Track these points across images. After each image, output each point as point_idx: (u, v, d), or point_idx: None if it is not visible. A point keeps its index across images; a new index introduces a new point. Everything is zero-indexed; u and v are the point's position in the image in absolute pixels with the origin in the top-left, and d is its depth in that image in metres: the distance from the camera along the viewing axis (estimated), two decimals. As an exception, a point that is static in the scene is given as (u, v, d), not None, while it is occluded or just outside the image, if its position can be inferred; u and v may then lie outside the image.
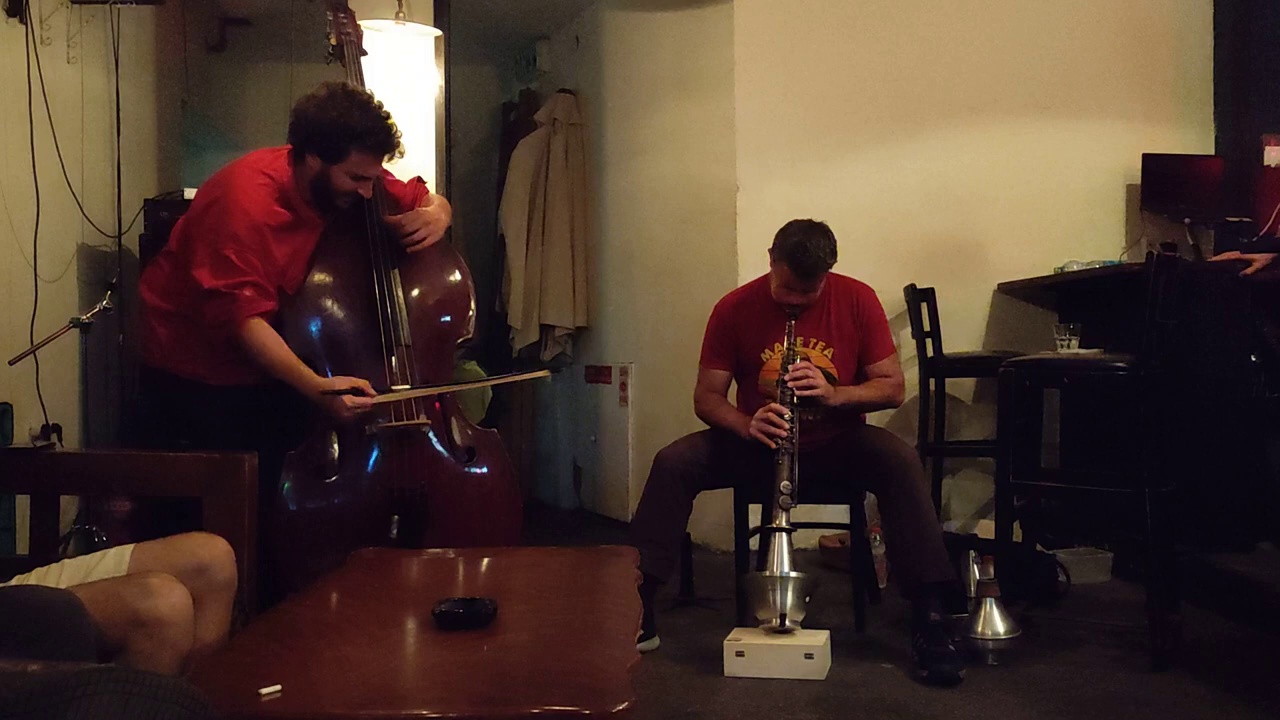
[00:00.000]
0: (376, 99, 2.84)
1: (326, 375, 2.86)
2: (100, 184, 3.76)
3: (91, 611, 1.60)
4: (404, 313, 2.95)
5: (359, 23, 3.16)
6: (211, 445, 2.49)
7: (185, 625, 1.75)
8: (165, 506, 2.77)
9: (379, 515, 2.83)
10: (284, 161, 2.86)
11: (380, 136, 2.78)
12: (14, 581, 1.86)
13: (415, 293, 3.03)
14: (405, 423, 2.89)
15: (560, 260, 5.70)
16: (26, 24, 3.23)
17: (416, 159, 3.86)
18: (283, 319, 2.89)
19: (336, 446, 2.90)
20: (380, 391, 2.82)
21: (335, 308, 2.97)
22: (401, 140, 2.88)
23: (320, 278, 2.97)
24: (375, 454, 2.90)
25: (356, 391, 2.76)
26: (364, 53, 3.14)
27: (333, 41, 3.05)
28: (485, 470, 3.01)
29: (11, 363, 2.88)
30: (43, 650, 1.46)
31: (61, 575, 1.89)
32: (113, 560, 1.93)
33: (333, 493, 2.88)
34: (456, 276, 3.13)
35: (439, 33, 4.06)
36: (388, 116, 2.82)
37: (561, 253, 5.70)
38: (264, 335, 2.78)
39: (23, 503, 2.86)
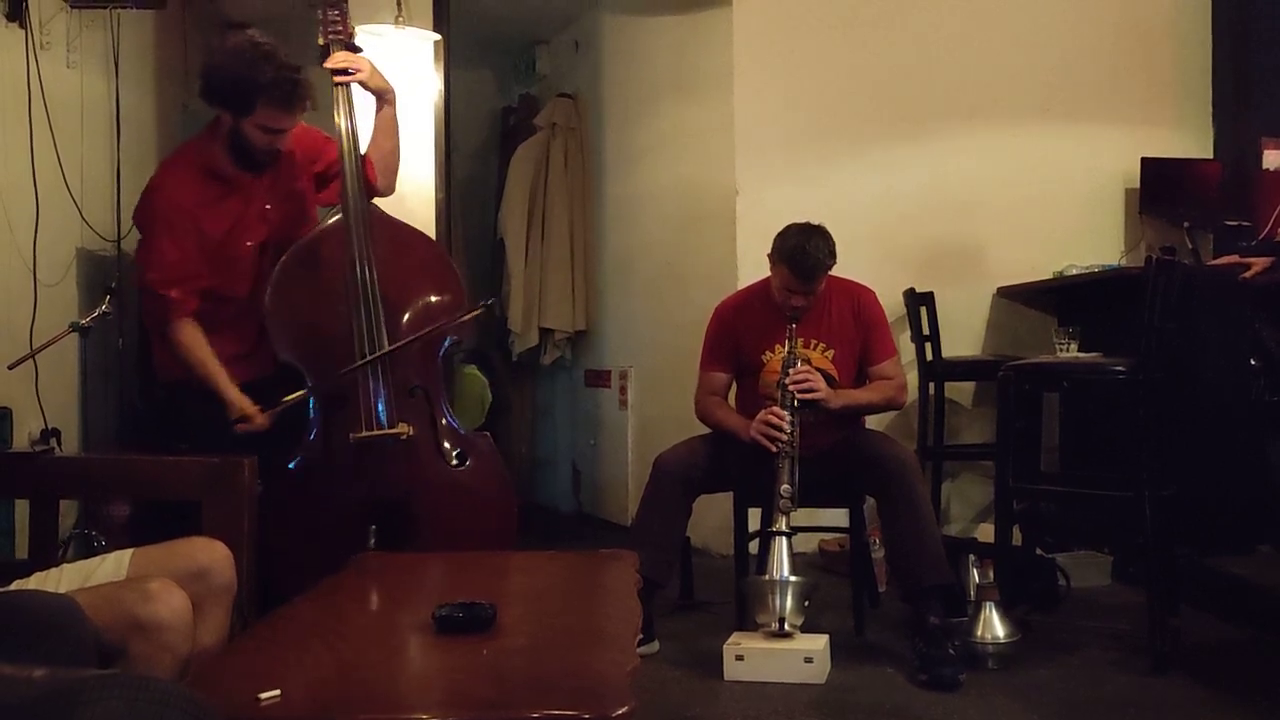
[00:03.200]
0: (281, 50, 2.79)
1: (306, 376, 2.87)
2: (100, 188, 3.76)
3: (91, 616, 1.60)
4: (380, 318, 2.88)
5: (351, 22, 3.11)
6: (227, 450, 2.47)
7: (185, 629, 1.75)
8: (164, 510, 2.77)
9: (357, 526, 2.79)
10: (205, 138, 2.89)
11: (286, 88, 2.74)
12: (13, 586, 1.85)
13: (396, 297, 2.97)
14: (384, 432, 2.86)
15: (560, 264, 5.70)
16: (26, 29, 3.24)
17: (416, 164, 3.87)
18: (265, 319, 2.89)
19: (317, 457, 2.88)
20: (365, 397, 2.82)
21: (313, 312, 2.94)
22: (311, 95, 2.83)
23: (300, 281, 2.95)
24: (355, 463, 2.86)
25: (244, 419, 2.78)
26: (357, 49, 3.08)
27: (320, 41, 3.03)
28: (476, 474, 2.98)
29: (11, 367, 2.88)
30: (42, 655, 1.46)
31: (61, 580, 1.89)
32: (112, 565, 1.93)
33: (308, 504, 2.85)
34: (442, 281, 3.08)
35: (438, 37, 4.07)
36: (296, 69, 2.78)
37: (561, 256, 5.71)
38: (188, 337, 2.83)
39: (22, 507, 2.86)
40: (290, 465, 2.89)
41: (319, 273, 2.96)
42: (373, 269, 2.90)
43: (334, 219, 3.02)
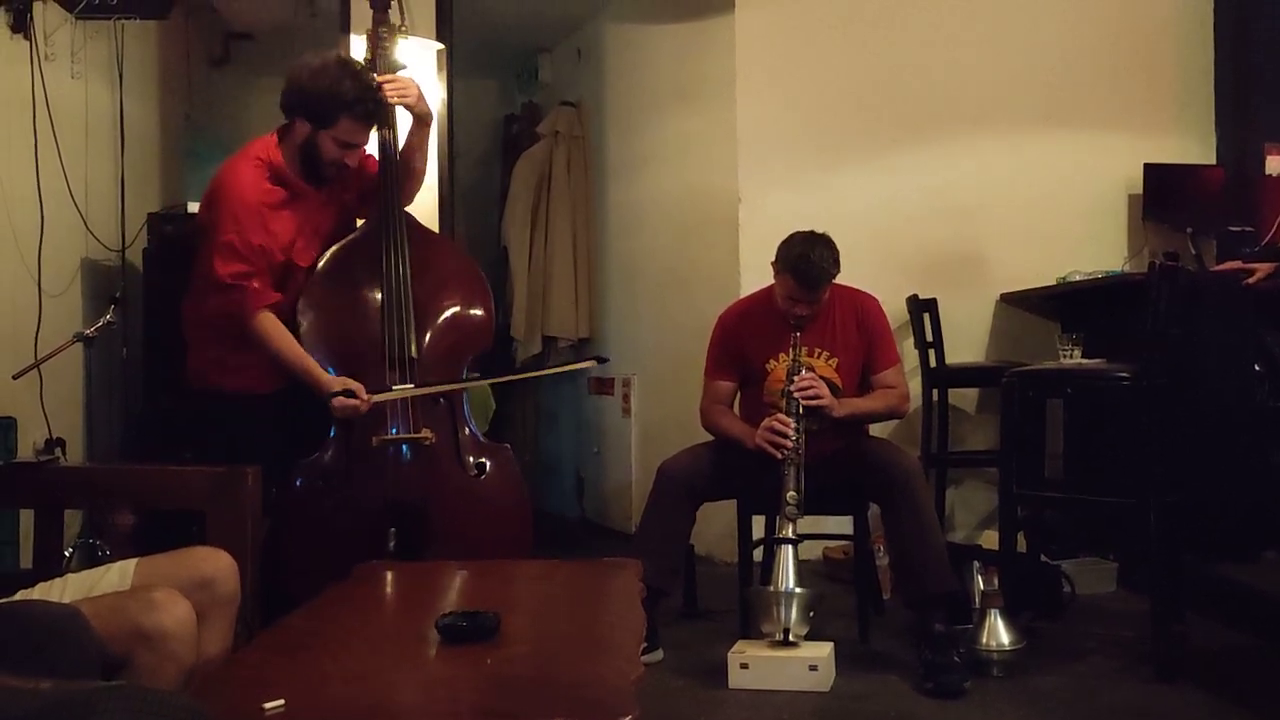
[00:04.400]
0: (370, 72, 2.93)
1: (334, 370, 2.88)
2: (104, 198, 3.77)
3: (95, 626, 1.60)
4: (412, 326, 2.93)
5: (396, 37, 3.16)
6: (246, 457, 2.44)
7: (189, 639, 1.75)
8: (169, 520, 2.77)
9: (376, 528, 2.81)
10: (273, 142, 2.92)
11: (370, 105, 2.87)
12: (18, 596, 1.85)
13: (429, 306, 3.01)
14: (407, 436, 2.89)
15: (563, 272, 5.70)
16: (31, 40, 3.25)
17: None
18: (294, 319, 2.91)
19: (338, 458, 2.90)
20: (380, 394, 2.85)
21: (345, 318, 2.97)
22: (391, 115, 2.97)
23: (333, 287, 2.98)
24: (377, 467, 2.89)
25: (350, 394, 2.79)
26: (401, 67, 3.13)
27: (367, 56, 3.10)
28: (494, 483, 3.00)
29: (15, 376, 2.89)
30: (47, 665, 1.46)
31: (65, 589, 1.89)
32: (116, 574, 1.93)
33: (330, 505, 2.87)
34: (475, 292, 3.12)
35: (441, 46, 4.07)
36: (379, 88, 2.91)
37: (564, 264, 5.71)
38: (271, 327, 2.84)
39: (26, 517, 2.86)
40: (312, 467, 2.89)
41: (352, 279, 2.99)
42: (409, 278, 2.95)
43: (367, 227, 3.07)
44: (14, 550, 3.08)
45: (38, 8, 3.26)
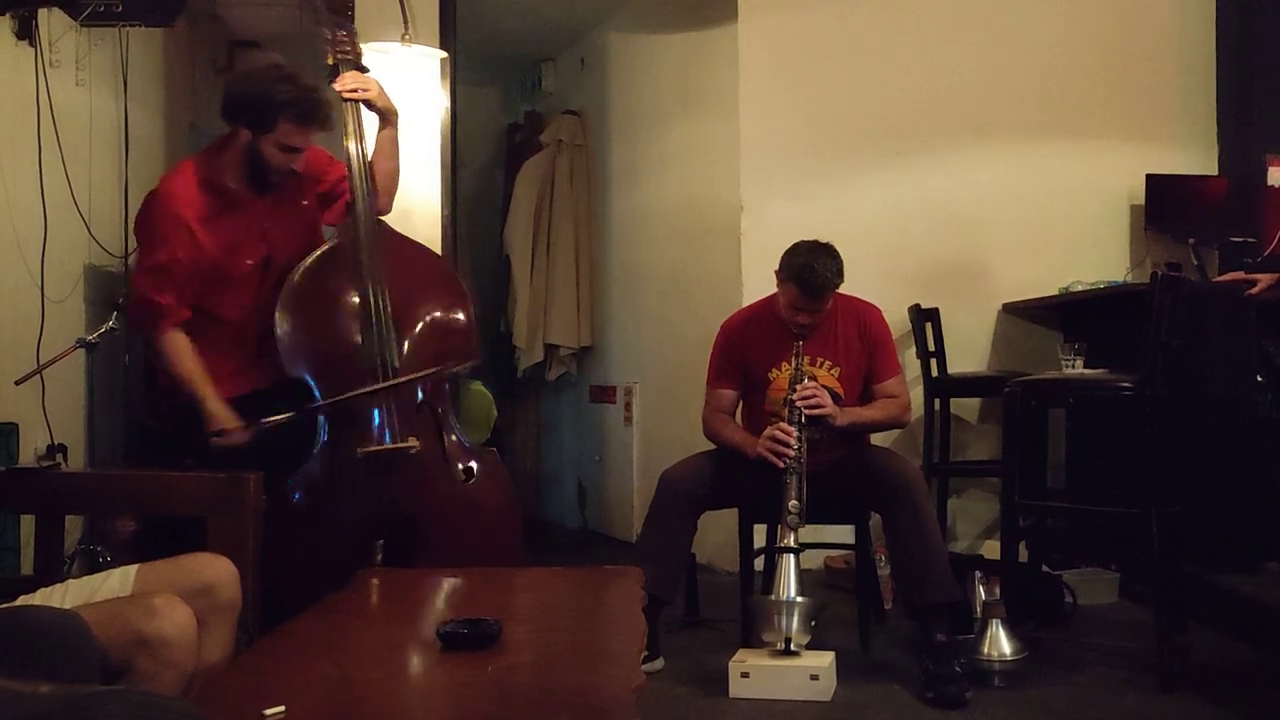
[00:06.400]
0: (307, 74, 2.90)
1: (315, 392, 2.87)
2: (107, 205, 3.78)
3: (96, 632, 1.60)
4: (391, 337, 2.90)
5: (359, 42, 3.15)
6: (229, 465, 2.46)
7: (189, 645, 1.75)
8: (170, 526, 2.77)
9: (364, 540, 2.79)
10: (214, 151, 2.91)
11: (307, 107, 2.82)
12: (19, 601, 1.85)
13: (407, 316, 2.98)
14: (393, 446, 2.87)
15: (565, 280, 5.71)
16: (36, 47, 3.26)
17: (422, 180, 3.88)
18: (275, 336, 2.90)
19: (325, 471, 2.88)
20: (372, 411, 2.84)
21: (324, 331, 2.94)
22: (331, 115, 2.91)
23: (311, 300, 2.96)
24: (362, 478, 2.86)
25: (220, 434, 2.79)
26: (364, 69, 3.13)
27: (330, 61, 3.07)
28: (482, 490, 2.98)
29: (18, 382, 2.90)
30: (47, 670, 1.46)
31: (66, 595, 1.89)
32: (117, 580, 1.93)
33: (316, 518, 2.85)
34: (454, 301, 3.08)
35: (444, 54, 4.09)
36: (316, 89, 2.87)
37: (566, 272, 5.72)
38: (176, 346, 2.85)
39: (28, 522, 2.86)
40: (297, 479, 2.89)
41: (329, 289, 2.97)
42: (384, 285, 2.92)
43: (341, 236, 3.05)
44: (15, 556, 3.08)
45: (43, 14, 3.26)
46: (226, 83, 2.89)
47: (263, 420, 2.78)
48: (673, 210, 5.04)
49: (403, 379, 2.89)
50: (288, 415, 2.80)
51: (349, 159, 2.99)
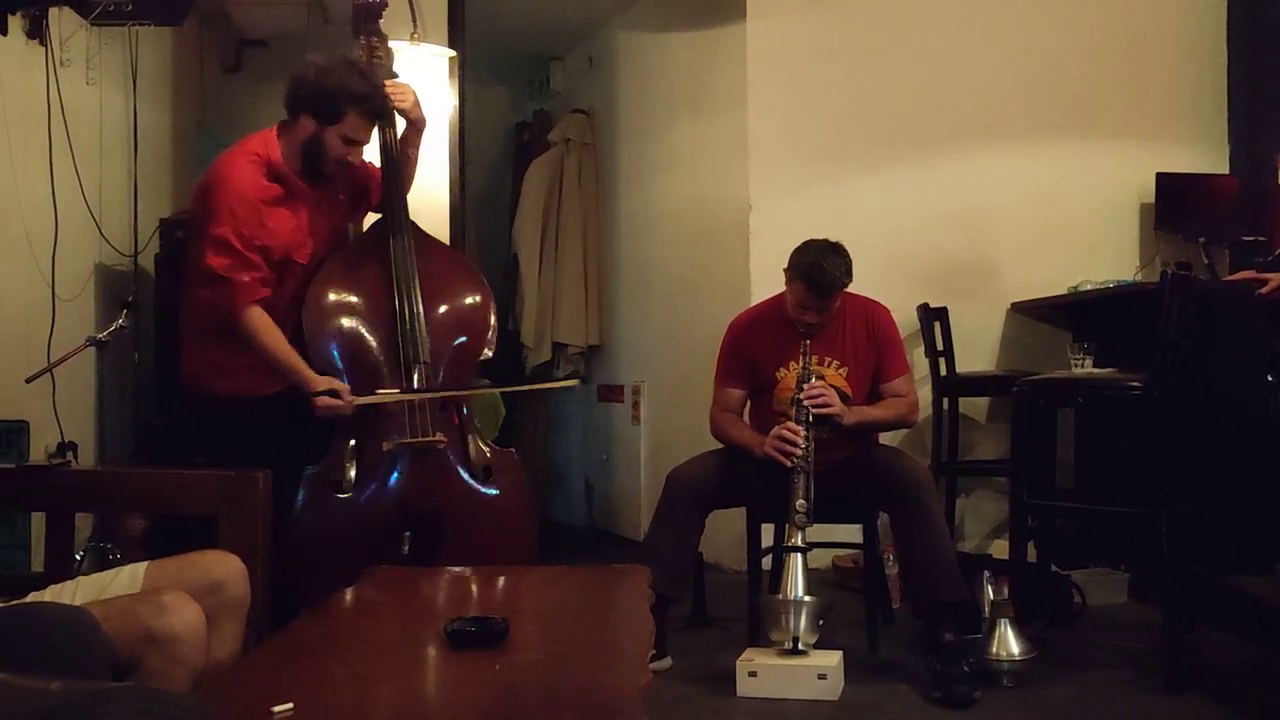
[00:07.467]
0: (375, 73, 3.00)
1: (344, 375, 2.92)
2: (118, 204, 3.79)
3: (106, 628, 1.61)
4: (423, 329, 2.98)
5: (392, 50, 3.23)
6: (246, 461, 2.46)
7: (199, 642, 1.75)
8: (180, 524, 2.78)
9: (391, 532, 2.85)
10: (272, 139, 2.93)
11: (377, 102, 2.92)
12: (29, 598, 1.86)
13: (436, 310, 3.05)
14: (421, 440, 2.92)
15: (573, 279, 5.71)
16: (46, 46, 3.27)
17: (430, 178, 3.89)
18: (304, 330, 2.94)
19: (353, 463, 2.91)
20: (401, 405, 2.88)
21: (356, 323, 3.00)
22: (394, 114, 3.05)
23: (342, 292, 3.00)
24: (390, 471, 2.92)
25: (335, 394, 2.83)
26: (395, 75, 3.21)
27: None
28: (501, 490, 3.03)
29: (29, 380, 2.90)
30: (57, 667, 1.47)
31: (76, 592, 1.90)
32: (127, 577, 1.94)
33: (345, 509, 2.89)
34: (478, 296, 3.17)
35: (453, 53, 4.09)
36: (384, 87, 2.97)
37: (574, 271, 5.72)
38: (260, 322, 2.86)
39: (38, 520, 2.88)
40: (324, 471, 2.91)
41: (362, 284, 3.02)
42: (416, 281, 3.00)
43: (372, 233, 3.12)
44: (26, 553, 3.09)
45: (54, 14, 3.27)
46: (298, 72, 2.90)
47: (370, 393, 2.86)
48: (681, 209, 5.04)
49: (460, 392, 3.00)
50: (392, 392, 2.87)
51: (384, 154, 3.08)
